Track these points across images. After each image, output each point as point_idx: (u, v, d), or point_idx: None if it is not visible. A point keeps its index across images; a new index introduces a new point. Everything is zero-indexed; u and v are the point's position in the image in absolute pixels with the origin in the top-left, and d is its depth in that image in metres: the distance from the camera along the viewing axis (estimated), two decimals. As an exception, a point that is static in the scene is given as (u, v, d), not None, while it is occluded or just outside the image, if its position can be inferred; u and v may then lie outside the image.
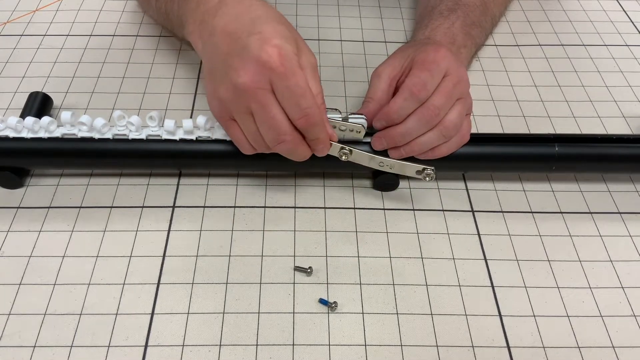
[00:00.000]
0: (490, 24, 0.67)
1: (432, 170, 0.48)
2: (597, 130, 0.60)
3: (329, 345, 0.43)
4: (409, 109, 0.46)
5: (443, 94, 0.46)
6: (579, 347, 0.44)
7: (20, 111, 0.55)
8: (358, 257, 0.49)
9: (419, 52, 0.49)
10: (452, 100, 0.47)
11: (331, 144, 0.46)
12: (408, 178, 0.54)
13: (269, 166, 0.53)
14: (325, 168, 0.53)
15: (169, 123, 0.49)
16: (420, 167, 0.48)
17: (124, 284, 0.46)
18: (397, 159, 0.48)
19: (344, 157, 0.48)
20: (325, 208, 0.52)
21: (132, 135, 0.50)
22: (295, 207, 0.52)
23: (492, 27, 0.69)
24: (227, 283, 0.46)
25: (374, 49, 0.68)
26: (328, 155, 0.47)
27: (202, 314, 0.44)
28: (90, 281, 0.46)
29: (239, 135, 0.46)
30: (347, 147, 0.47)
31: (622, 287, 0.48)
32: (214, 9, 0.46)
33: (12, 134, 0.49)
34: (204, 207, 0.52)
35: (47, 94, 0.57)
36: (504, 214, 0.52)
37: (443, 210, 0.52)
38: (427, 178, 0.48)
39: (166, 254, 0.48)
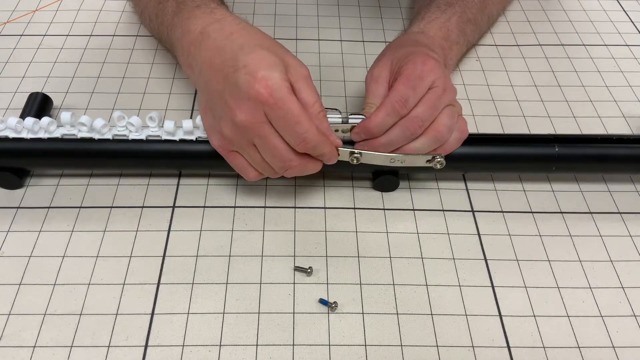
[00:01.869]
0: (486, 23, 0.67)
1: (442, 156, 0.48)
2: (597, 130, 0.60)
3: (329, 345, 0.43)
4: (390, 124, 0.46)
5: (427, 106, 0.46)
6: (579, 347, 0.44)
7: (20, 111, 0.55)
8: (358, 257, 0.49)
9: (407, 61, 0.48)
10: (438, 111, 0.47)
11: (339, 150, 0.46)
12: (408, 177, 0.54)
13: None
14: (325, 168, 0.53)
15: (169, 124, 0.49)
16: (430, 156, 0.48)
17: (124, 284, 0.46)
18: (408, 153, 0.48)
19: (354, 161, 0.48)
20: (325, 208, 0.52)
21: (132, 136, 0.50)
22: (295, 207, 0.52)
23: (488, 27, 0.69)
24: (227, 283, 0.46)
25: (374, 49, 0.68)
26: (338, 160, 0.47)
27: (202, 314, 0.44)
28: (90, 281, 0.46)
29: (243, 163, 0.47)
30: (356, 151, 0.47)
31: (622, 287, 0.48)
32: (197, 41, 0.46)
33: (11, 135, 0.49)
34: (204, 207, 0.52)
35: (47, 94, 0.57)
36: (504, 214, 0.52)
37: (443, 210, 0.52)
38: (438, 165, 0.48)
39: (166, 254, 0.48)
